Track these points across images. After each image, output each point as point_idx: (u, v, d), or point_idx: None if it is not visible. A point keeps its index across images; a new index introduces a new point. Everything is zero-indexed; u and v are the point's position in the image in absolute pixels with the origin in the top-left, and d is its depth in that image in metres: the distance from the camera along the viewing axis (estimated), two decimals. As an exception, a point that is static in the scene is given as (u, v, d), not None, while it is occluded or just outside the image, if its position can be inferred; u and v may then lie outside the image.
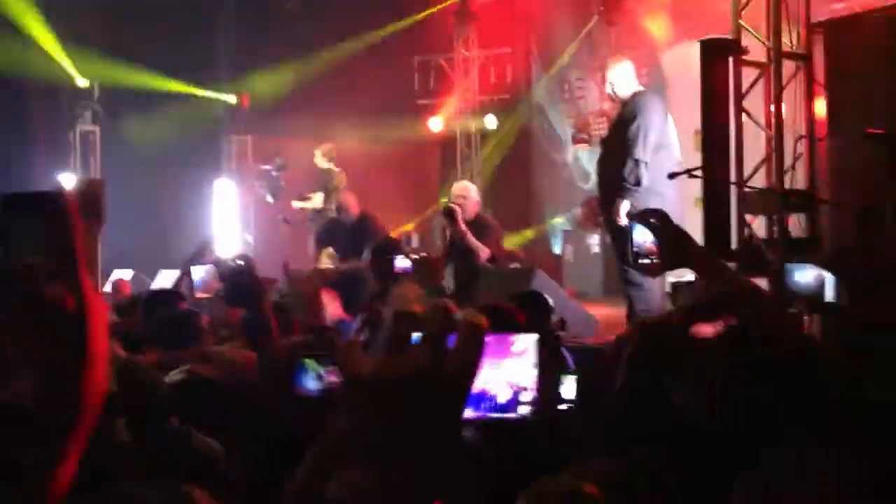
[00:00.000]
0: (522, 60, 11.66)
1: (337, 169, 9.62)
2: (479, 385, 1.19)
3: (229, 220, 11.41)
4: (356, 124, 11.18)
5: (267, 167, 11.18)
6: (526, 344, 1.29)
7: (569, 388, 3.49)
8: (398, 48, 11.40)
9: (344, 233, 8.47)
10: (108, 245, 6.34)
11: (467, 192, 7.14)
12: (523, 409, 1.30)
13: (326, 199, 9.50)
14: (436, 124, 11.82)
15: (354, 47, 11.19)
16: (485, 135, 11.78)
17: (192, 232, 10.91)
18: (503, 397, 1.31)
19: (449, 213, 7.00)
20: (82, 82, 11.22)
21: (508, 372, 1.36)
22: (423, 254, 6.02)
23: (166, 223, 10.61)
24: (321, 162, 9.63)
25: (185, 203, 11.20)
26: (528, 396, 1.28)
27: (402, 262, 5.47)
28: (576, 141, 10.82)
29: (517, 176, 11.59)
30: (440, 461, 0.89)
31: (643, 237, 2.42)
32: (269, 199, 10.79)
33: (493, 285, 6.23)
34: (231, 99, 11.97)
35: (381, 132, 11.36)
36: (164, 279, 7.11)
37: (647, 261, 2.43)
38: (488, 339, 1.05)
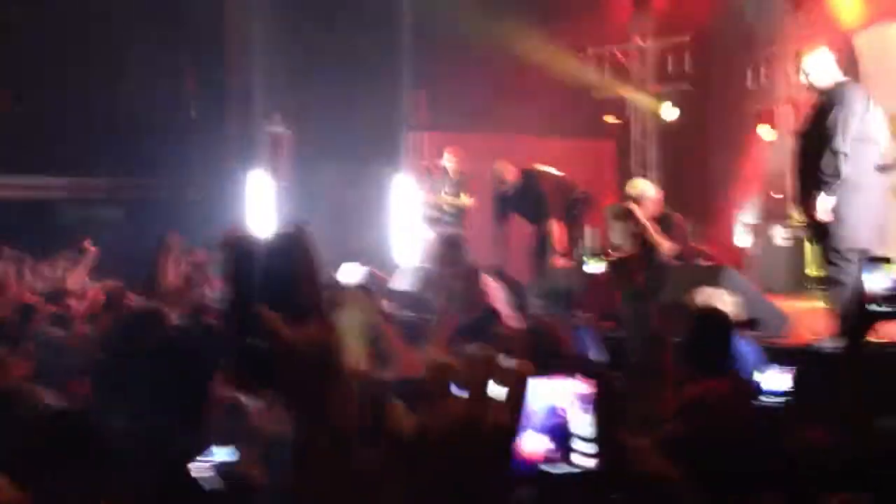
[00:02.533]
0: (701, 49, 11.38)
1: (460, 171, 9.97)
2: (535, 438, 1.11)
3: (407, 215, 11.65)
4: (531, 118, 11.20)
5: (435, 162, 11.35)
6: (576, 388, 1.17)
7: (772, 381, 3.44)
8: (573, 40, 11.35)
9: (516, 200, 8.89)
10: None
11: (643, 192, 7.12)
12: (582, 461, 1.18)
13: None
14: (613, 117, 11.72)
15: (529, 41, 11.20)
16: (662, 126, 11.58)
17: (373, 227, 11.31)
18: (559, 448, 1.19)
19: (622, 214, 6.95)
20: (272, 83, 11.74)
21: (570, 420, 1.23)
22: (619, 254, 5.99)
23: (349, 219, 10.97)
24: (449, 164, 9.93)
25: (367, 199, 11.53)
26: (587, 447, 1.16)
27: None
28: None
29: (696, 168, 11.34)
30: None
31: (878, 282, 2.30)
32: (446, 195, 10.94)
33: (682, 283, 6.15)
34: (410, 96, 12.22)
35: (556, 125, 11.34)
36: (347, 273, 7.36)
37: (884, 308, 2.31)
38: (541, 384, 1.00)
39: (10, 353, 4.20)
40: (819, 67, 6.11)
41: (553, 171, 9.83)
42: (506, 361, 1.00)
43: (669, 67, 11.43)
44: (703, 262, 7.14)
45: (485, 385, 0.88)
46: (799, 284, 8.56)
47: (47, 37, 11.42)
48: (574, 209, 9.54)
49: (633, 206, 6.92)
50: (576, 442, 1.25)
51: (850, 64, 9.02)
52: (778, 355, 4.69)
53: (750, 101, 10.97)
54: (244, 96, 11.81)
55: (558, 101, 11.30)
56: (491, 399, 0.87)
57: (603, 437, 1.14)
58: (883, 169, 5.60)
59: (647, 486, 1.46)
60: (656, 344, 2.99)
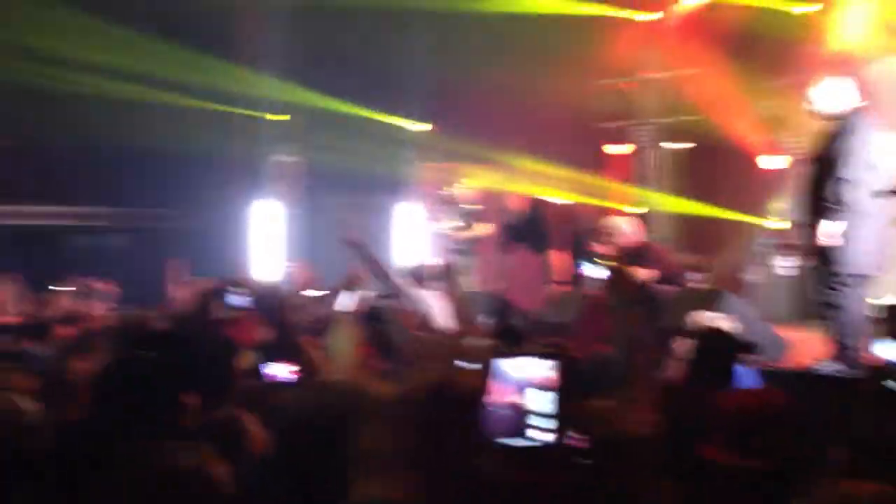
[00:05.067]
0: (711, 80, 11.38)
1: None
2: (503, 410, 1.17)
3: (416, 244, 11.67)
4: (537, 149, 11.24)
5: (447, 192, 11.39)
6: (543, 369, 1.23)
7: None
8: (582, 71, 11.39)
9: (522, 230, 8.98)
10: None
11: (613, 230, 7.41)
12: (543, 436, 1.23)
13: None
14: (619, 149, 11.73)
15: (537, 70, 11.26)
16: (670, 157, 11.57)
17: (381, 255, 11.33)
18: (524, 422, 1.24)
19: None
20: (280, 113, 11.87)
21: (529, 398, 1.30)
22: (615, 265, 6.05)
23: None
24: (462, 191, 9.97)
25: (375, 226, 11.58)
26: (547, 423, 1.21)
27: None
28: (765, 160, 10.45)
29: (707, 197, 11.30)
30: (455, 475, 0.90)
31: None
32: (453, 224, 10.93)
33: (680, 307, 6.14)
34: (421, 126, 12.31)
35: (564, 155, 11.36)
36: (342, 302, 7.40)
37: None
38: (508, 363, 1.06)
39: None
40: (827, 96, 6.11)
41: (561, 201, 9.85)
42: (475, 341, 1.05)
43: (676, 99, 11.44)
44: (701, 286, 7.16)
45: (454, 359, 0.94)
46: (801, 314, 8.51)
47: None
48: (581, 239, 9.56)
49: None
50: (534, 418, 1.33)
51: (861, 93, 9.04)
52: (775, 378, 4.67)
53: (757, 130, 10.95)
54: (251, 127, 11.94)
55: (567, 132, 11.32)
56: (461, 369, 0.94)
57: (562, 414, 1.23)
58: (884, 195, 5.57)
59: (613, 445, 1.53)
60: (637, 353, 3.05)
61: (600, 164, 11.92)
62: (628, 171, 11.94)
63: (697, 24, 11.15)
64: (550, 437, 1.21)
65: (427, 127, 12.28)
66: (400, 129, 12.26)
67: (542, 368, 1.19)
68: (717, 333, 4.31)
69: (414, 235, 11.80)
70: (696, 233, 10.95)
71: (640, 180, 11.70)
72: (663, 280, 7.01)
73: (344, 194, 11.58)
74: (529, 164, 11.37)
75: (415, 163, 12.39)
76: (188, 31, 11.14)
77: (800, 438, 2.52)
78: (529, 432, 1.20)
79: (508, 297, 8.87)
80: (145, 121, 11.72)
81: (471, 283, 9.75)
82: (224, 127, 12.07)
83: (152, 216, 12.63)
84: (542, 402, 1.20)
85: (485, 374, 0.87)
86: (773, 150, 10.45)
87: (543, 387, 1.20)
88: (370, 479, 0.89)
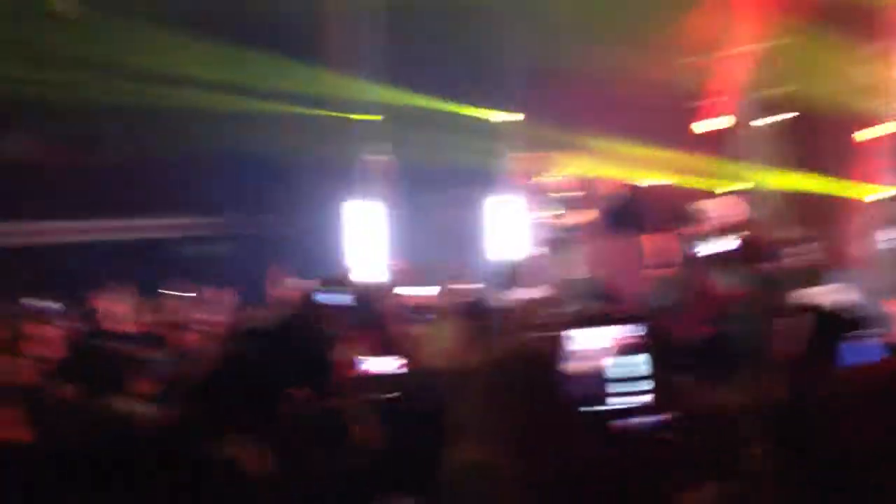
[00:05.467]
0: (804, 49, 11.05)
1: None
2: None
3: (512, 236, 11.68)
4: (634, 131, 11.11)
5: (544, 181, 11.35)
6: (625, 336, 1.24)
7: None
8: (670, 48, 11.20)
9: (620, 214, 8.93)
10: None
11: (703, 210, 7.34)
12: (634, 400, 1.25)
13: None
14: (706, 125, 11.51)
15: (626, 51, 11.12)
16: (768, 131, 11.30)
17: (476, 250, 11.40)
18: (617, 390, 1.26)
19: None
20: (370, 114, 12.05)
21: (611, 365, 1.31)
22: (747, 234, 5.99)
23: (454, 242, 11.08)
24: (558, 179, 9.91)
25: (470, 221, 11.64)
26: (638, 386, 1.22)
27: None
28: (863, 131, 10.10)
29: (808, 170, 11.00)
30: (543, 439, 0.93)
31: None
32: (551, 214, 10.91)
33: (791, 282, 6.08)
34: (512, 117, 12.31)
35: (659, 136, 11.20)
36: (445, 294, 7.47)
37: None
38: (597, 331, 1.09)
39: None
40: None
41: (658, 182, 9.72)
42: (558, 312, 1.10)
43: (771, 71, 11.15)
44: (808, 261, 7.01)
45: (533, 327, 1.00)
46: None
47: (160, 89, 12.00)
48: (680, 220, 9.43)
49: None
50: (623, 384, 1.37)
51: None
52: (885, 351, 4.52)
53: (861, 97, 10.59)
54: (344, 129, 12.14)
55: (659, 112, 11.15)
56: (543, 337, 1.00)
57: (655, 377, 1.28)
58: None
59: (702, 419, 1.56)
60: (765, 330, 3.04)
61: (696, 142, 11.72)
62: (725, 147, 11.70)
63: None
64: (635, 402, 1.25)
65: (518, 117, 12.26)
66: (490, 121, 12.28)
67: (625, 335, 1.23)
68: (827, 309, 4.23)
69: (509, 227, 11.80)
70: (799, 208, 10.66)
71: (739, 156, 11.45)
72: (764, 257, 6.90)
73: (437, 190, 11.69)
74: (623, 147, 11.25)
75: (507, 154, 12.40)
76: (276, 38, 11.40)
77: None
78: (611, 399, 1.25)
79: (609, 283, 8.82)
80: (242, 130, 12.03)
81: (572, 270, 9.71)
82: (318, 131, 12.32)
83: (253, 223, 12.98)
84: (625, 368, 1.24)
85: (565, 342, 0.90)
86: (872, 118, 10.10)
87: (626, 353, 1.24)
88: (466, 445, 0.94)
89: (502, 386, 0.90)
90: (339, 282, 6.94)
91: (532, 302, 5.44)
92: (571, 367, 1.14)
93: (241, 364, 2.89)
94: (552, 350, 0.90)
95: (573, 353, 1.07)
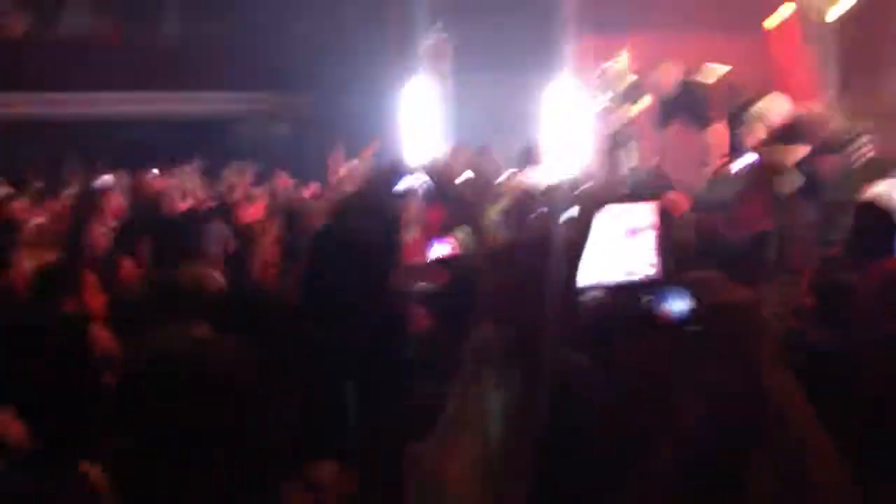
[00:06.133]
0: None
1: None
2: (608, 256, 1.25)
3: (571, 123, 11.51)
4: (698, 15, 10.81)
5: (606, 67, 11.09)
6: (644, 212, 1.27)
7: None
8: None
9: (678, 105, 8.81)
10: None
11: (764, 111, 7.18)
12: (646, 270, 1.31)
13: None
14: (781, 14, 11.11)
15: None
16: (836, 21, 10.89)
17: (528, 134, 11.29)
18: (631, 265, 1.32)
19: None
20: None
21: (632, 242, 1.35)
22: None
23: (510, 128, 10.99)
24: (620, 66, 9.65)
25: (527, 107, 11.50)
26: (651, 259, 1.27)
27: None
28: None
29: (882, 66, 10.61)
30: (559, 315, 0.97)
31: None
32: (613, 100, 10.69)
33: (852, 179, 5.96)
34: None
35: (724, 21, 10.87)
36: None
37: None
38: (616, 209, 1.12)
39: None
40: None
41: (720, 71, 9.46)
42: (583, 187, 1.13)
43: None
44: (873, 155, 6.83)
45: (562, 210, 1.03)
46: None
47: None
48: (741, 113, 9.21)
49: None
50: (639, 257, 1.43)
51: None
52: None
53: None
54: (403, 4, 11.95)
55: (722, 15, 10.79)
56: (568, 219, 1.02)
57: (663, 251, 1.34)
58: None
59: (723, 312, 1.60)
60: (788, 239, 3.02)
61: (762, 33, 11.35)
62: (792, 38, 11.32)
63: None
64: (654, 272, 1.30)
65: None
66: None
67: (646, 213, 1.27)
68: (875, 205, 4.11)
69: (568, 114, 11.63)
70: (867, 100, 10.33)
71: (806, 46, 11.08)
72: (823, 151, 6.73)
73: (493, 72, 11.51)
74: (687, 35, 10.94)
75: (569, 38, 12.11)
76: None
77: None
78: (629, 271, 1.30)
79: (666, 174, 8.73)
80: (301, 8, 11.92)
81: (633, 159, 9.60)
82: (373, 8, 12.14)
83: (308, 104, 12.95)
84: (644, 244, 1.28)
85: (588, 219, 0.93)
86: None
87: (645, 230, 1.28)
88: (483, 324, 1.00)
89: (523, 265, 0.94)
90: (406, 165, 6.95)
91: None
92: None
93: (349, 241, 2.95)
94: (579, 231, 0.94)
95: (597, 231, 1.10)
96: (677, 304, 1.70)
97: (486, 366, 0.95)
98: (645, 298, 1.69)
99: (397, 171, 4.85)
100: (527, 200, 4.16)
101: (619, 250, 1.25)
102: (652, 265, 1.23)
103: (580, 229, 0.90)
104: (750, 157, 7.34)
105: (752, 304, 1.62)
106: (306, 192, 8.39)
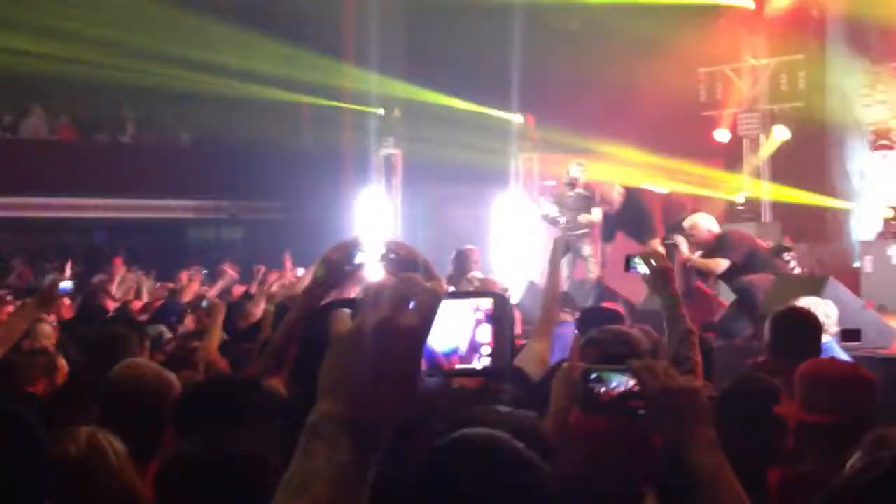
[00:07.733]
0: (816, 67, 11.19)
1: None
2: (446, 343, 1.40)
3: (515, 236, 11.81)
4: (641, 138, 11.25)
5: (553, 183, 11.45)
6: (485, 305, 1.43)
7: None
8: (684, 59, 11.34)
9: (622, 219, 9.03)
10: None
11: (693, 225, 7.44)
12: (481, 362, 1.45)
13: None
14: (722, 135, 11.63)
15: (639, 62, 11.27)
16: (774, 145, 11.41)
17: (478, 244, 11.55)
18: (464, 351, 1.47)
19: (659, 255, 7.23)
20: (385, 109, 12.23)
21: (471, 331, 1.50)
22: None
23: (458, 237, 11.23)
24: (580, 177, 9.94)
25: (473, 217, 11.80)
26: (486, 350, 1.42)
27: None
28: (875, 147, 10.27)
29: (812, 185, 11.12)
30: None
31: None
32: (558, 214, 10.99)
33: (782, 293, 6.15)
34: (518, 118, 12.43)
35: (666, 144, 11.34)
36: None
37: None
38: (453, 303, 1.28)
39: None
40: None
41: (661, 189, 9.83)
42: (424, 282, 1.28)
43: (782, 86, 11.27)
44: (803, 272, 7.12)
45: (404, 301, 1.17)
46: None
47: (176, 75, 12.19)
48: (676, 228, 9.54)
49: (672, 246, 7.35)
50: (477, 348, 1.55)
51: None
52: (872, 365, 4.65)
53: (865, 117, 10.75)
54: (359, 121, 12.32)
55: (669, 120, 11.28)
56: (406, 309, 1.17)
57: (496, 343, 1.49)
58: None
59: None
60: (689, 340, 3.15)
61: (704, 152, 11.86)
62: (732, 158, 11.83)
63: (800, 9, 10.99)
64: (488, 363, 1.44)
65: (520, 118, 12.38)
66: (502, 120, 12.42)
67: (486, 304, 1.41)
68: (799, 312, 4.25)
69: (515, 225, 11.94)
70: (800, 220, 10.79)
71: (745, 168, 11.58)
72: (748, 267, 7.01)
73: (444, 185, 11.85)
74: (631, 153, 11.39)
75: (517, 154, 12.52)
76: (297, 29, 11.57)
77: (869, 399, 2.62)
78: (476, 362, 1.43)
79: (608, 286, 8.97)
80: (258, 118, 12.22)
81: (575, 269, 9.79)
82: (330, 122, 12.49)
83: (264, 209, 13.15)
84: (484, 334, 1.42)
85: (431, 312, 1.04)
86: (888, 138, 10.23)
87: (482, 321, 1.42)
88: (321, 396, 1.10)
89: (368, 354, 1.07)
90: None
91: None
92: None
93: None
94: (419, 323, 1.07)
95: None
96: (619, 386, 1.82)
97: (317, 436, 1.03)
98: (590, 376, 1.81)
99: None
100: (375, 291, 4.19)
101: (460, 339, 1.36)
102: (488, 355, 1.36)
103: (422, 317, 1.00)
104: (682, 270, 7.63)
105: (695, 389, 1.73)
106: (238, 290, 8.43)
